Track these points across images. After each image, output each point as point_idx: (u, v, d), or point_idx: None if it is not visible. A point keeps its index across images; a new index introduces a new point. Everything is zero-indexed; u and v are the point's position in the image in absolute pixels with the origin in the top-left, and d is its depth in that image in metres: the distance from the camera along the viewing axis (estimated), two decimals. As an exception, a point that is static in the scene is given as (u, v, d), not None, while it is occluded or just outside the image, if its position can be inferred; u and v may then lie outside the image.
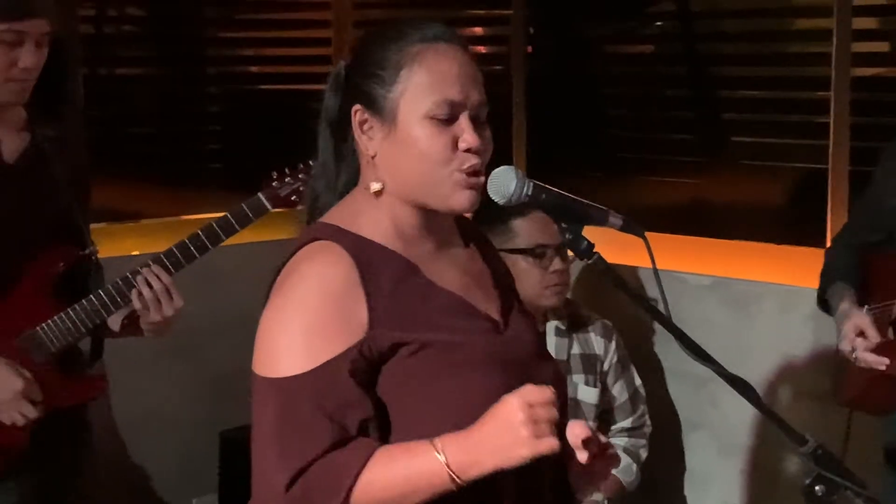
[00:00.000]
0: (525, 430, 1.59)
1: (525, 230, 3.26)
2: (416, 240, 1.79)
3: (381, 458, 1.63)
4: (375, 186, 1.76)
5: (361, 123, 1.77)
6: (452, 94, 1.73)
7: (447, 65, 1.74)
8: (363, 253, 1.72)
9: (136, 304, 2.62)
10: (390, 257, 1.75)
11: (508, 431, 1.59)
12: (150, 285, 2.61)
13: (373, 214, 1.78)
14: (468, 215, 1.90)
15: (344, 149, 1.84)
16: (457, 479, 1.60)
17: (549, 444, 1.59)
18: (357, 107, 1.77)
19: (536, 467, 1.67)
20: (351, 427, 1.65)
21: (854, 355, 2.68)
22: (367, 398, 1.66)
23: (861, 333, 2.67)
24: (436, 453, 1.61)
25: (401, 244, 1.77)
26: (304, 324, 1.67)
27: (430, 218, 1.79)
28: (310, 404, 1.63)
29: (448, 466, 1.60)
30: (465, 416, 1.65)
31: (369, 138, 1.77)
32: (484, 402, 1.66)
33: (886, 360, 2.63)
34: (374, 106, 1.75)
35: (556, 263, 3.26)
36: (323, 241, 1.74)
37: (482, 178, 1.74)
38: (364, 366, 1.67)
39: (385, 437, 1.68)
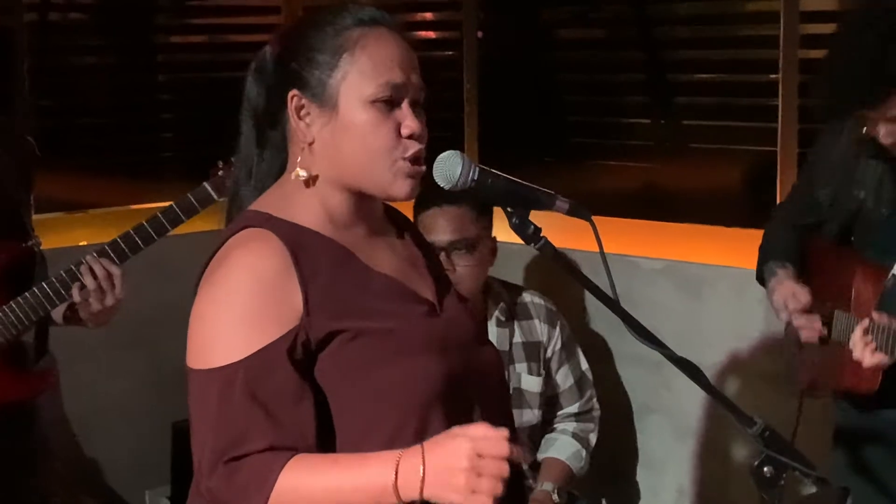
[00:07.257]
0: (462, 479, 1.53)
1: (419, 224, 3.12)
2: (348, 225, 1.77)
3: (321, 465, 1.60)
4: (302, 174, 1.73)
5: (298, 109, 1.74)
6: (395, 77, 1.71)
7: (389, 49, 1.73)
8: (296, 240, 1.70)
9: (76, 297, 2.59)
10: (324, 244, 1.73)
11: (446, 472, 1.54)
12: (93, 274, 2.59)
13: (304, 201, 1.75)
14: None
15: (268, 137, 1.81)
16: (400, 498, 1.57)
17: (482, 501, 1.53)
18: (294, 92, 1.74)
19: None
20: (286, 419, 1.61)
21: (791, 324, 2.68)
22: (304, 385, 1.64)
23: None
24: (391, 470, 1.56)
25: (334, 230, 1.75)
26: (238, 312, 1.64)
27: (363, 203, 1.77)
28: (245, 393, 1.60)
29: (396, 483, 1.56)
30: (403, 402, 1.65)
31: (307, 125, 1.74)
32: (423, 387, 1.65)
33: (818, 324, 2.63)
34: (312, 91, 1.73)
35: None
36: (254, 228, 1.71)
37: (423, 167, 1.74)
38: (300, 353, 1.64)
39: (327, 425, 1.66)
